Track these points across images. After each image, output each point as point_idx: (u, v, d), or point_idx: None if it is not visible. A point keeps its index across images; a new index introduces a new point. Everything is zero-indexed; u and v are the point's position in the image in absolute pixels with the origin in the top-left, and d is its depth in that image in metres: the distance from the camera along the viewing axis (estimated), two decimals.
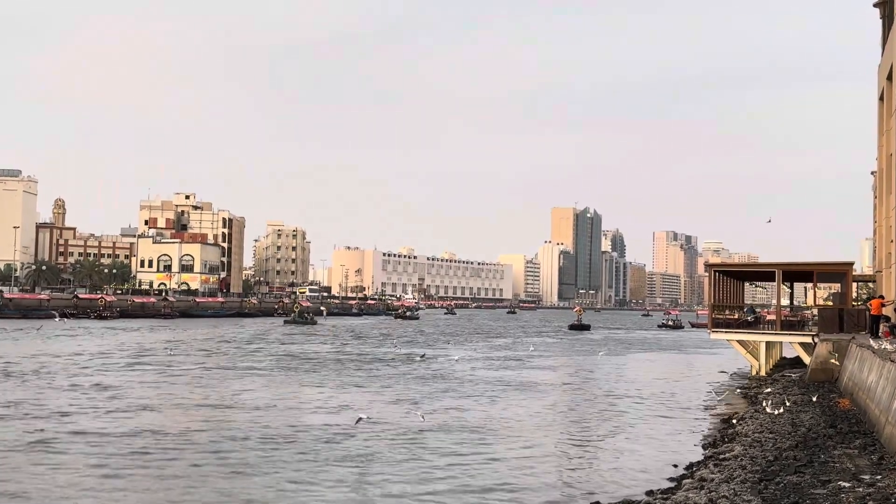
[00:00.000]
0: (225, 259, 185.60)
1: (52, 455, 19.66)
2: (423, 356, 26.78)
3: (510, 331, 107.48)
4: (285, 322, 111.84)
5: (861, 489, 13.00)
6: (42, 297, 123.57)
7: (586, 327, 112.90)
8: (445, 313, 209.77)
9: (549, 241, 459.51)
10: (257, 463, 19.24)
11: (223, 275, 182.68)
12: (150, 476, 17.88)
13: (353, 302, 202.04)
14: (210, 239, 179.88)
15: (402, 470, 18.65)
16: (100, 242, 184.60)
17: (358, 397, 31.81)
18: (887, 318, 29.25)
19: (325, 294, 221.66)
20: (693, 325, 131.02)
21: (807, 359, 35.47)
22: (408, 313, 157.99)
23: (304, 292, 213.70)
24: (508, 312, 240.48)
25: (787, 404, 23.92)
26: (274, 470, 18.57)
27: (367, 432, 23.20)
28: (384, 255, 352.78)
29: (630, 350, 70.23)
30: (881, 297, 32.38)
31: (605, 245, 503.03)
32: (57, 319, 55.08)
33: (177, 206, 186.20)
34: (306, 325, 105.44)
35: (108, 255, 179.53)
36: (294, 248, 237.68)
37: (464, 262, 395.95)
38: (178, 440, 21.93)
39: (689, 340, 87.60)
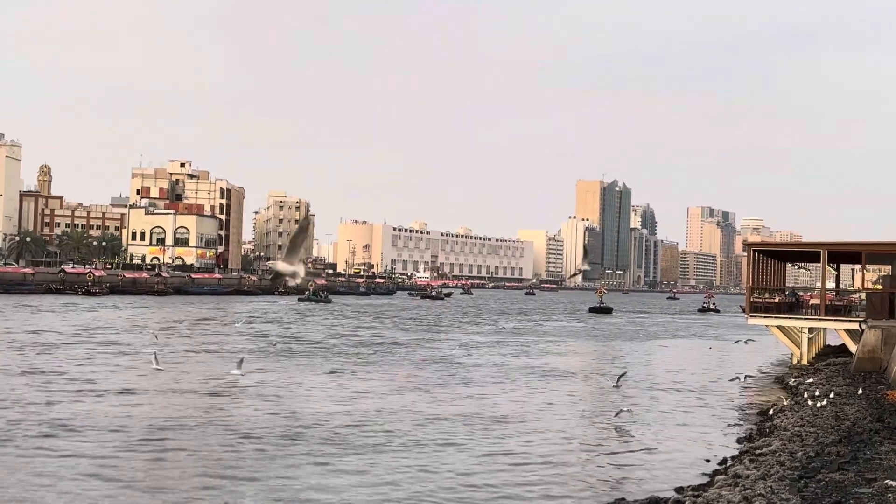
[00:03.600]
0: (223, 232, 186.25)
1: (30, 448, 19.68)
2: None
3: (523, 313, 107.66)
4: (299, 300, 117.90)
5: None
6: (26, 270, 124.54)
7: (608, 310, 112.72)
8: (462, 293, 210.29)
9: (574, 217, 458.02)
10: (260, 456, 19.42)
11: (221, 249, 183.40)
12: (138, 474, 18.08)
13: (361, 280, 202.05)
14: (207, 210, 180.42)
15: (418, 463, 18.80)
16: (88, 213, 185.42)
17: (368, 383, 32.02)
18: None
19: (331, 271, 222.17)
20: (743, 309, 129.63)
21: (853, 347, 35.36)
22: (433, 293, 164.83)
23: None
24: (526, 293, 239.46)
25: (831, 396, 23.89)
26: (281, 462, 18.76)
27: (382, 422, 23.39)
28: (394, 229, 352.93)
29: (659, 336, 70.22)
30: None
31: (635, 221, 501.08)
32: None
33: (171, 174, 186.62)
34: (321, 304, 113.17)
35: (98, 227, 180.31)
36: (297, 221, 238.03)
37: (480, 238, 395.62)
38: (180, 431, 22.18)
39: (725, 325, 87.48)
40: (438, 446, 20.60)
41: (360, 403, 26.80)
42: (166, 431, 21.50)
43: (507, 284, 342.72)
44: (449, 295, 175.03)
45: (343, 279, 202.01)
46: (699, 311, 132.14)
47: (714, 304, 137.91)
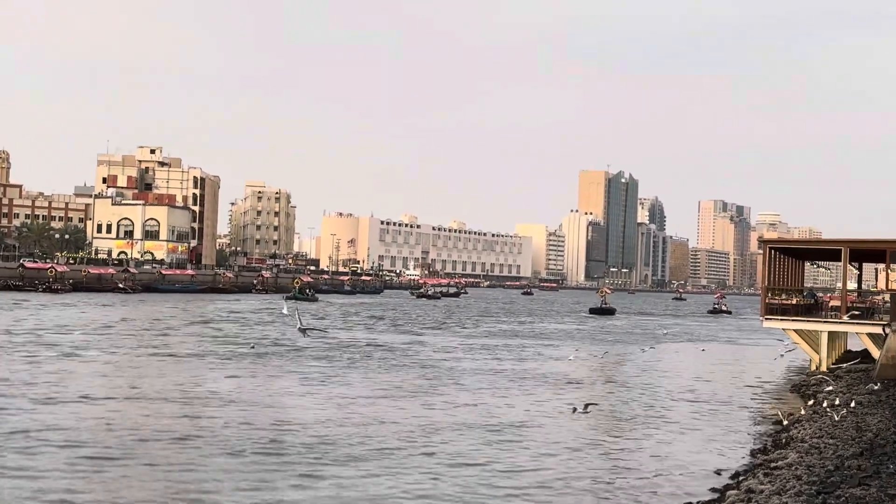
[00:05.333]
0: (196, 225, 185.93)
1: None
2: None
3: (515, 315, 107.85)
4: (285, 298, 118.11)
5: None
6: None
7: (610, 311, 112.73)
8: (458, 292, 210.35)
9: (576, 210, 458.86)
10: (234, 470, 19.42)
11: (194, 243, 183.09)
12: (100, 492, 18.04)
13: (346, 278, 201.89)
14: (179, 201, 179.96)
15: (409, 477, 18.81)
16: (50, 203, 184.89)
17: (358, 390, 32.01)
18: None
19: (313, 268, 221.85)
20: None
21: (876, 352, 35.47)
22: (430, 292, 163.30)
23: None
24: (524, 293, 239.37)
25: (852, 405, 23.96)
26: (258, 476, 18.75)
27: (371, 431, 23.39)
28: (382, 223, 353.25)
29: (666, 339, 70.34)
30: None
31: (642, 216, 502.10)
32: None
33: (140, 161, 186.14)
34: (307, 302, 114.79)
35: (60, 218, 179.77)
36: (276, 214, 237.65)
37: (475, 232, 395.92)
38: (145, 439, 22.12)
39: (738, 328, 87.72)
40: (432, 457, 20.61)
41: (348, 411, 26.75)
42: (131, 443, 21.39)
43: (506, 283, 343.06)
44: (457, 295, 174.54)
45: (326, 276, 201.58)
46: (709, 312, 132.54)
47: (725, 305, 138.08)
